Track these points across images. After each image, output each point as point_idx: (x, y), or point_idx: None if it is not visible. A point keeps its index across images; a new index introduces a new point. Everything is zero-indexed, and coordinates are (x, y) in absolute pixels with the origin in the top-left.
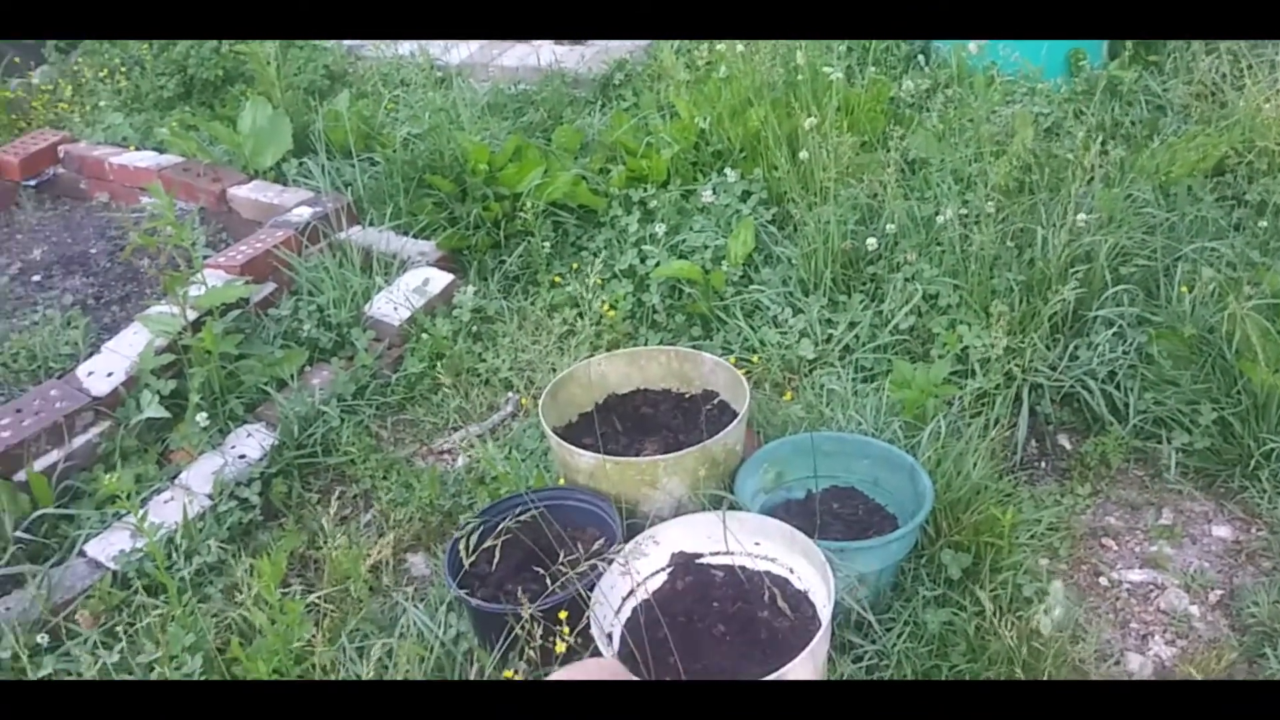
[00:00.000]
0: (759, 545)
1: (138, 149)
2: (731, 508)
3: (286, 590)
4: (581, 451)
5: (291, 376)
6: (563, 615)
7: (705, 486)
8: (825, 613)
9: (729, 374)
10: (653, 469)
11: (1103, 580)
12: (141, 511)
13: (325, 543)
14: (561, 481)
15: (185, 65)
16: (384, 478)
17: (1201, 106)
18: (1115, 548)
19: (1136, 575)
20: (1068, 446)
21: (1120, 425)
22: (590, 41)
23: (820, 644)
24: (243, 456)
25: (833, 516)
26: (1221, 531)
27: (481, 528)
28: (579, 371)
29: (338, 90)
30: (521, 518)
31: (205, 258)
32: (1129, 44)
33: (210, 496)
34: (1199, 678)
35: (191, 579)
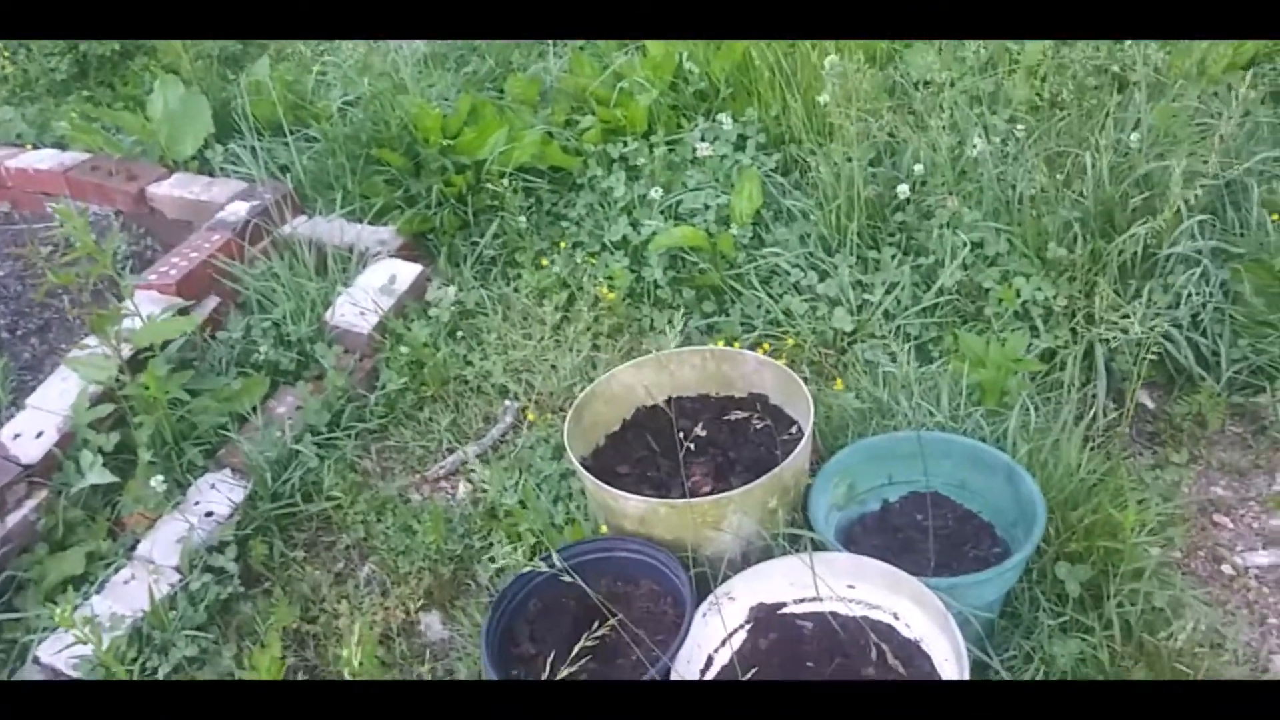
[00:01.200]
0: (853, 589)
1: (35, 147)
2: (808, 539)
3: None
4: (628, 496)
5: (253, 410)
6: None
7: (777, 517)
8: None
9: (778, 373)
10: (717, 509)
11: (1225, 568)
12: (87, 607)
13: (322, 614)
14: (604, 529)
15: (76, 42)
16: (378, 520)
17: None
18: (1230, 525)
19: (1262, 558)
20: (1150, 405)
21: (1212, 378)
22: None
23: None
24: (210, 514)
25: (919, 531)
26: None
27: (516, 595)
28: (601, 386)
29: (255, 55)
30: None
31: (130, 269)
32: None
33: (179, 570)
34: None
35: (171, 677)
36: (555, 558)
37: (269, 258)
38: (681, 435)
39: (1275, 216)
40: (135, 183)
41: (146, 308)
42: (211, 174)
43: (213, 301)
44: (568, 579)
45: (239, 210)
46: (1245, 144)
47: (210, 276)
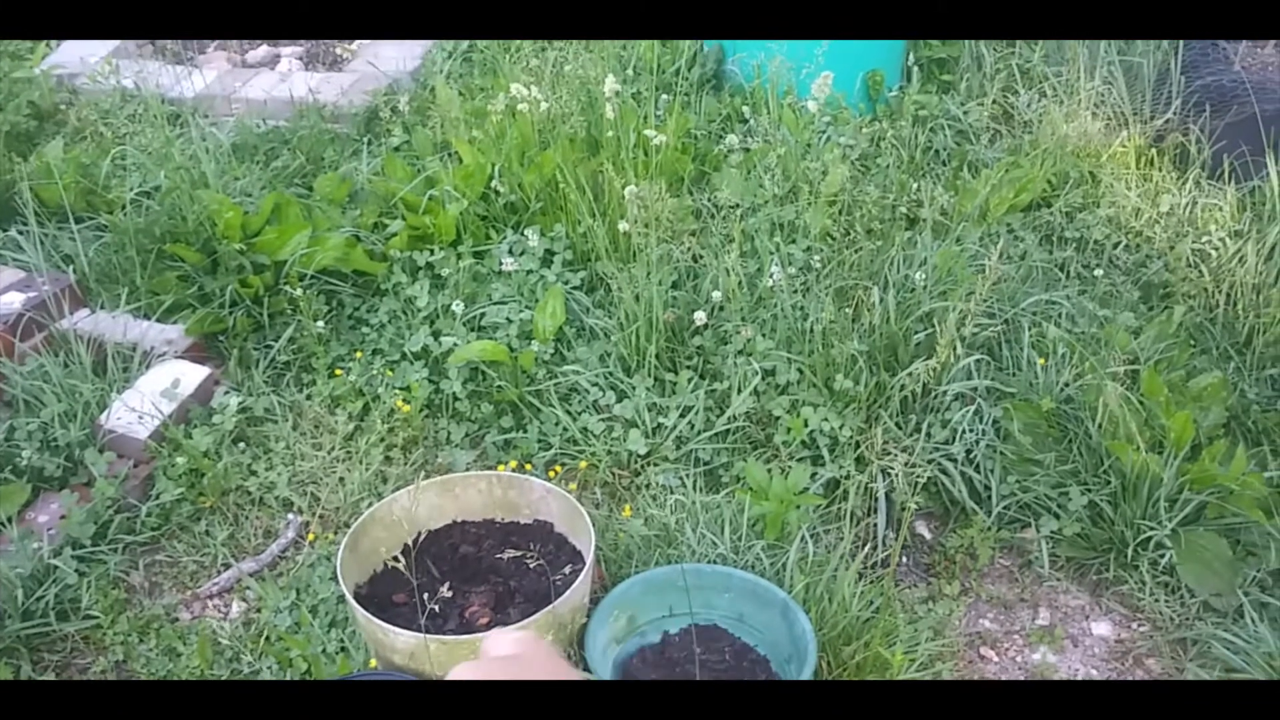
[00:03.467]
0: None
1: None
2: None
3: None
4: (398, 631)
5: (9, 520)
6: None
7: None
8: None
9: (564, 503)
10: None
11: None
12: None
13: None
14: (373, 664)
15: None
16: (140, 641)
17: (1003, 130)
18: (995, 659)
19: None
20: (927, 536)
21: (983, 512)
22: (349, 68)
23: None
24: None
25: (696, 664)
26: (1102, 629)
27: None
28: (381, 511)
29: (49, 135)
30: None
31: None
32: (924, 64)
33: None
34: None
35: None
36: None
37: (41, 354)
38: (467, 564)
39: (1042, 360)
40: None
41: None
42: None
43: None
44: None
45: (13, 302)
46: (1020, 286)
47: None
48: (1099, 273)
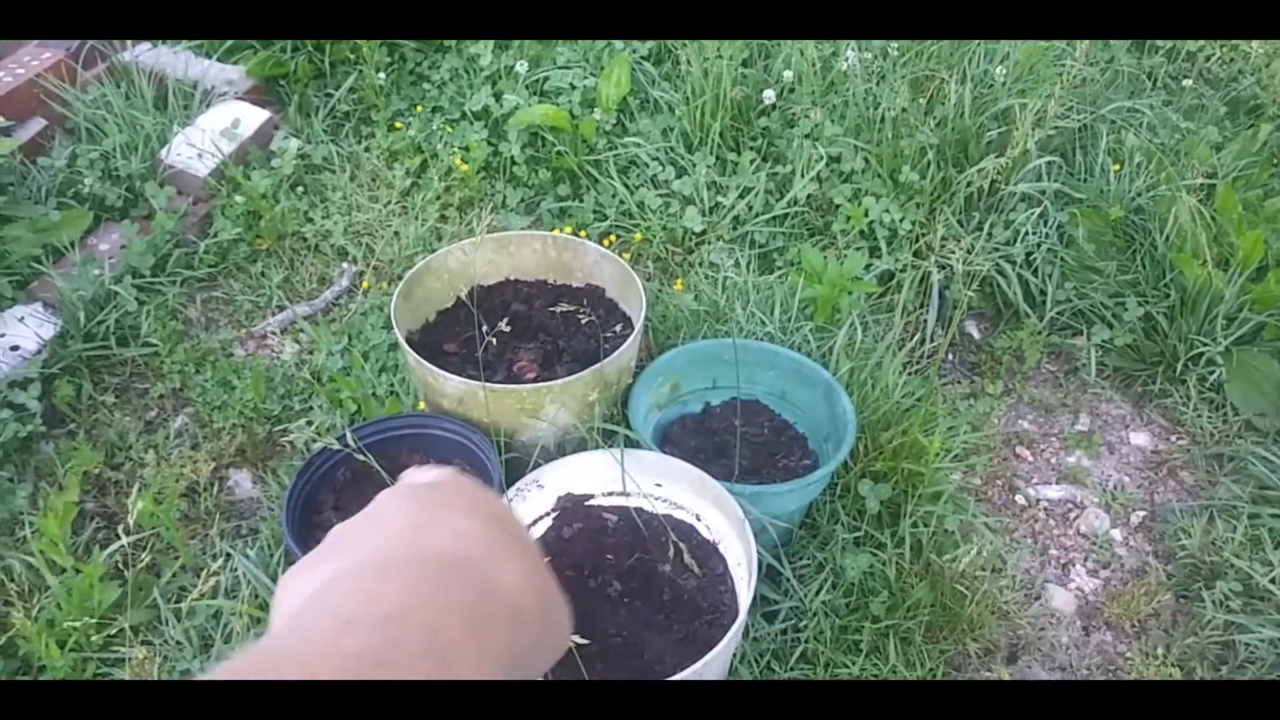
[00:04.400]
0: (660, 487)
1: None
2: (623, 436)
3: (80, 533)
4: (448, 376)
5: (72, 244)
6: None
7: (595, 411)
8: (743, 595)
9: (617, 268)
10: (536, 397)
11: (1019, 498)
12: None
13: (128, 461)
14: (422, 406)
15: None
16: (197, 372)
17: None
18: (1030, 459)
19: (1054, 492)
20: (976, 336)
21: (1036, 316)
22: None
23: (735, 637)
24: (15, 348)
25: (735, 436)
26: (1140, 439)
27: (325, 463)
28: (436, 261)
29: None
30: (374, 444)
31: None
32: None
33: None
34: (1125, 621)
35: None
36: (349, 436)
37: (104, 84)
38: (519, 320)
39: (1117, 166)
40: None
41: None
42: None
43: (37, 124)
44: (378, 451)
45: None
46: (1103, 91)
47: (37, 97)
48: (1188, 83)
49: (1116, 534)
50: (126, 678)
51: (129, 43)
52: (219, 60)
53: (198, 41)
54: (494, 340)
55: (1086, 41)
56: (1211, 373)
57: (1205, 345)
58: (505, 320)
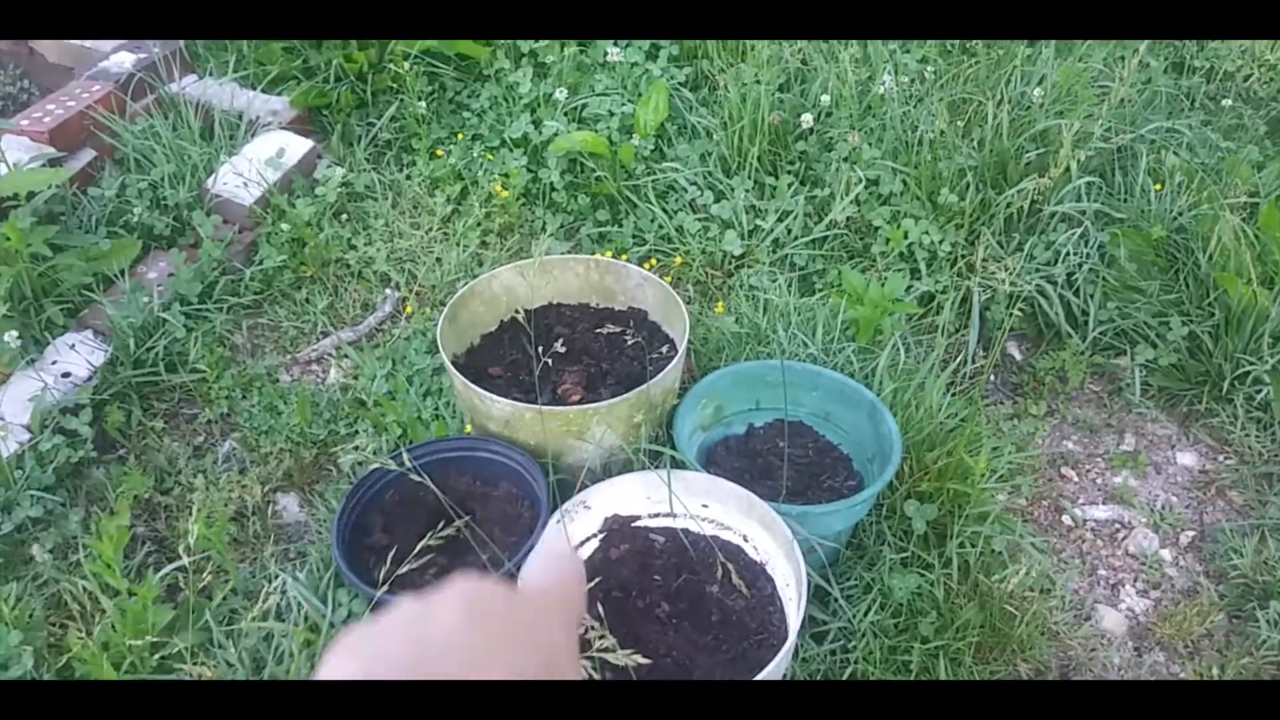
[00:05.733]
0: (707, 508)
1: None
2: (669, 457)
3: (131, 556)
4: (495, 398)
5: (121, 273)
6: None
7: (640, 432)
8: (793, 616)
9: (660, 290)
10: (582, 419)
11: (1065, 519)
12: None
13: (177, 486)
14: (468, 429)
15: None
16: (244, 398)
17: None
18: (1076, 479)
19: (1101, 512)
20: (1017, 357)
21: (1078, 336)
22: None
23: (786, 657)
24: (67, 375)
25: (779, 457)
26: (1187, 459)
27: (374, 485)
28: (480, 285)
29: None
30: (422, 466)
31: (2, 112)
32: None
33: (29, 429)
34: (1178, 641)
35: (13, 535)
36: (405, 456)
37: (151, 115)
38: (561, 344)
39: (1158, 186)
40: None
41: (14, 154)
42: None
43: (87, 155)
44: (428, 473)
45: (124, 61)
46: (1142, 111)
47: (87, 128)
48: (1226, 103)
49: (1166, 554)
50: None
51: (176, 74)
52: (263, 91)
53: (242, 73)
54: (549, 362)
55: (1128, 63)
56: (1258, 391)
57: (1252, 364)
58: (560, 342)
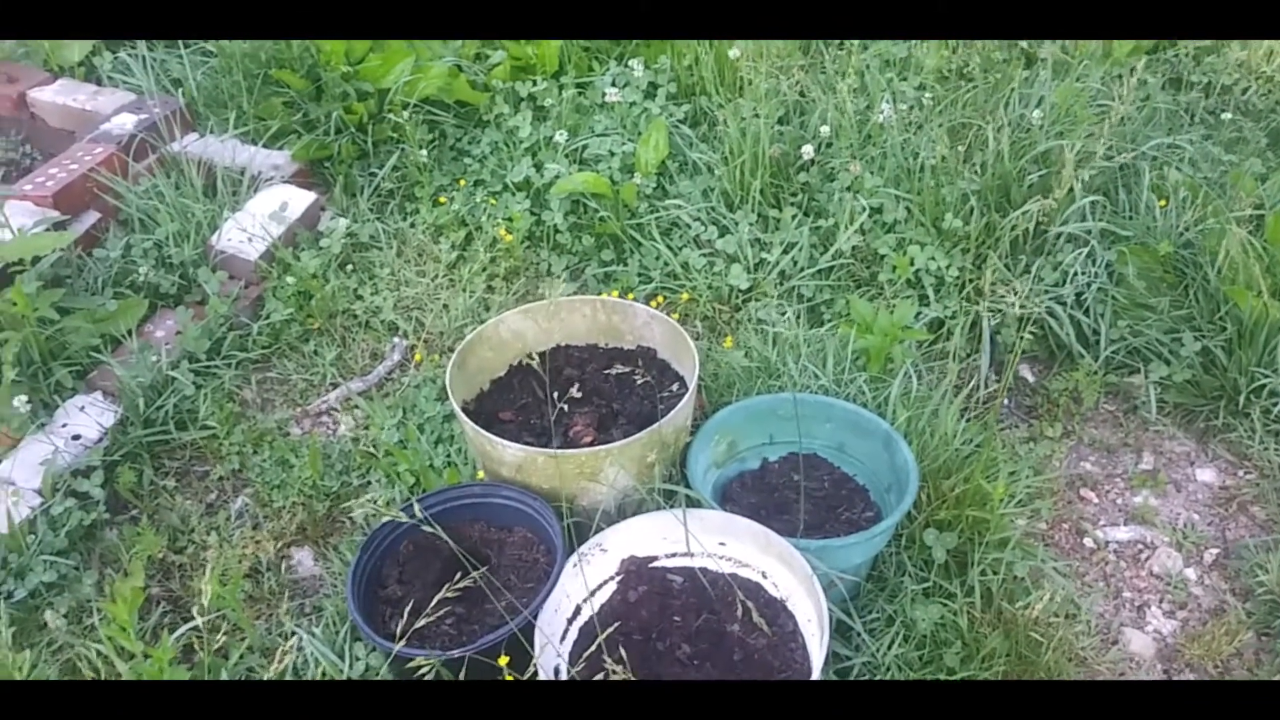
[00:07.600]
0: (724, 546)
1: None
2: (684, 495)
3: (146, 618)
4: (506, 443)
5: (129, 333)
6: (503, 662)
7: (654, 471)
8: (815, 653)
9: (667, 328)
10: (595, 460)
11: (1087, 541)
12: None
13: (190, 544)
14: (481, 475)
15: None
16: (255, 453)
17: None
18: (1095, 500)
19: (1123, 533)
20: (1030, 379)
21: (1090, 356)
22: None
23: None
24: (77, 437)
25: (795, 491)
26: (1207, 475)
27: (388, 537)
28: (488, 331)
29: None
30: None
31: (4, 178)
32: None
33: (40, 493)
34: (1207, 662)
35: (27, 601)
36: (415, 507)
37: (154, 175)
38: (570, 386)
39: (1163, 202)
40: (16, 85)
41: (18, 219)
42: (99, 82)
43: (91, 217)
44: (442, 522)
45: (125, 123)
46: (1142, 128)
47: (90, 190)
48: (1226, 116)
49: (1190, 573)
50: None
51: (177, 133)
52: (265, 146)
53: (243, 129)
54: (564, 406)
55: (1126, 81)
56: (1275, 404)
57: (1267, 377)
58: (576, 386)
